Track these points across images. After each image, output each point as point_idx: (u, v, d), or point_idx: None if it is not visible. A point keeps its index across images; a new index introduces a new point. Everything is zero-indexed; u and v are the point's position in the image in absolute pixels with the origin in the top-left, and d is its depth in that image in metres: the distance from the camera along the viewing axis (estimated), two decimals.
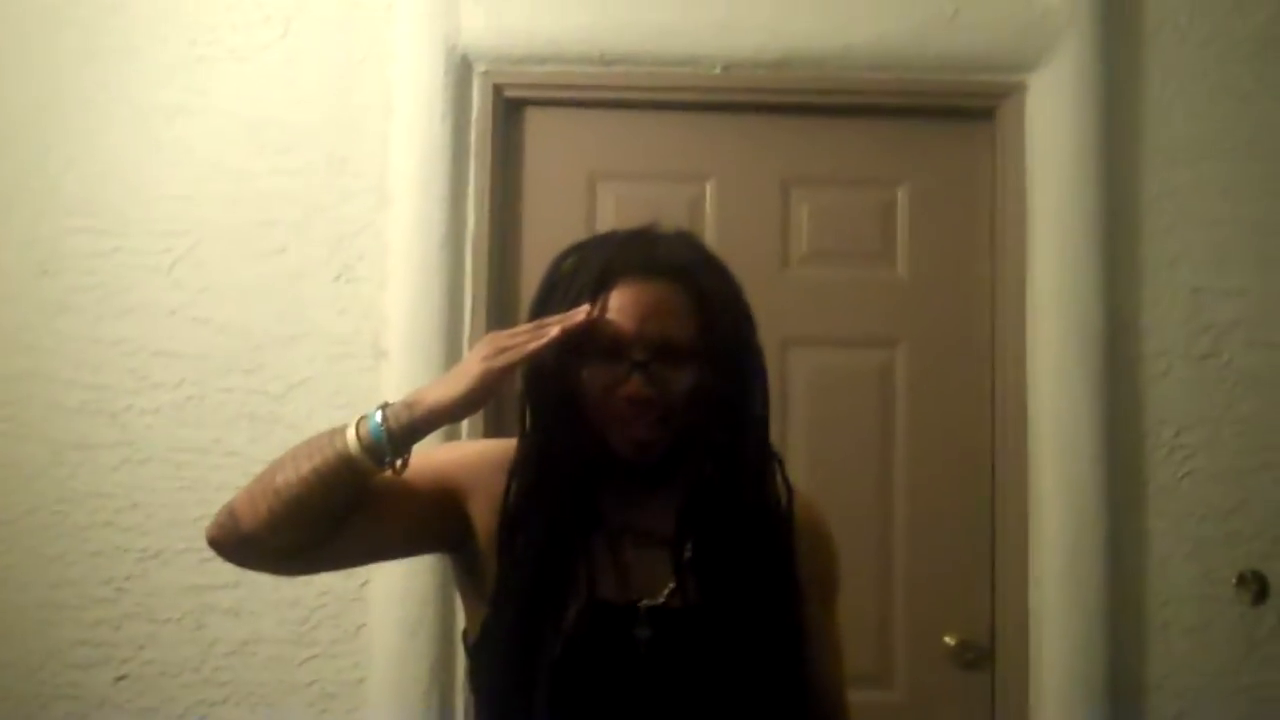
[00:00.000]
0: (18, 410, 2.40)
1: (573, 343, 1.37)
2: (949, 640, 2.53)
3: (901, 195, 2.62)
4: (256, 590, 2.38)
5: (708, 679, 1.41)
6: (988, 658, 2.53)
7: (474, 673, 1.51)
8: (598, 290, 1.39)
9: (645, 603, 1.42)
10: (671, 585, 1.42)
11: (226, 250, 2.44)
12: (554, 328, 1.36)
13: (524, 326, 1.39)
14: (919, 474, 2.56)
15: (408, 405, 1.36)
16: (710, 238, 2.52)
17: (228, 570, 2.18)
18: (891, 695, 2.52)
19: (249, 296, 2.43)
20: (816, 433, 2.54)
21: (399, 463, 1.37)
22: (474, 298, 2.46)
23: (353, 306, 2.44)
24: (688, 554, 1.43)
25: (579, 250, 1.47)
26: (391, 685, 2.35)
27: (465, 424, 2.31)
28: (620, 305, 1.39)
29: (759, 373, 1.48)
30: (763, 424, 1.48)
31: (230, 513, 1.38)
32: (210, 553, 2.06)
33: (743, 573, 1.43)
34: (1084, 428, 2.44)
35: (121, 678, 2.38)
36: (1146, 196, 2.52)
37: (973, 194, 2.62)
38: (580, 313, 1.37)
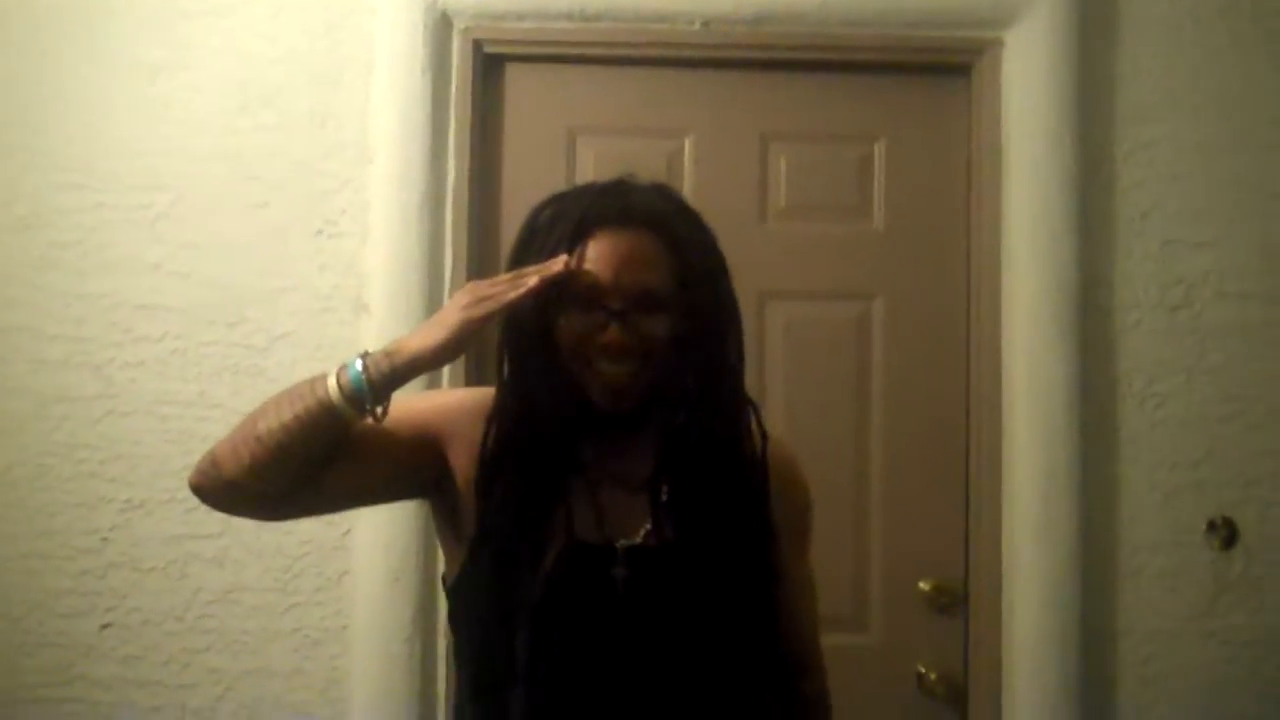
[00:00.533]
0: (1, 364, 2.42)
1: (550, 292, 1.40)
2: (923, 585, 2.57)
3: (879, 150, 2.65)
4: (240, 539, 2.41)
5: (683, 617, 1.45)
6: (961, 602, 2.57)
7: (454, 614, 1.56)
8: (575, 240, 1.43)
9: (622, 543, 1.46)
10: (648, 526, 1.47)
11: (209, 205, 2.46)
12: (532, 277, 1.39)
13: (503, 276, 1.42)
14: (894, 423, 2.60)
15: (387, 354, 1.39)
16: (689, 192, 2.54)
17: (211, 520, 2.26)
18: (867, 638, 2.57)
19: (231, 251, 2.45)
20: (794, 384, 2.58)
21: (379, 410, 1.40)
22: (454, 252, 2.49)
23: (334, 261, 2.46)
24: (664, 496, 1.47)
25: (556, 201, 1.51)
26: (374, 632, 2.38)
27: (446, 372, 2.35)
28: (597, 255, 1.42)
29: (734, 321, 1.51)
30: (737, 371, 1.52)
31: (212, 459, 1.42)
32: (194, 503, 2.10)
33: (717, 514, 1.48)
34: (1057, 377, 2.48)
35: (106, 626, 2.41)
36: (1119, 151, 2.55)
37: (949, 149, 2.65)
38: (558, 263, 1.40)
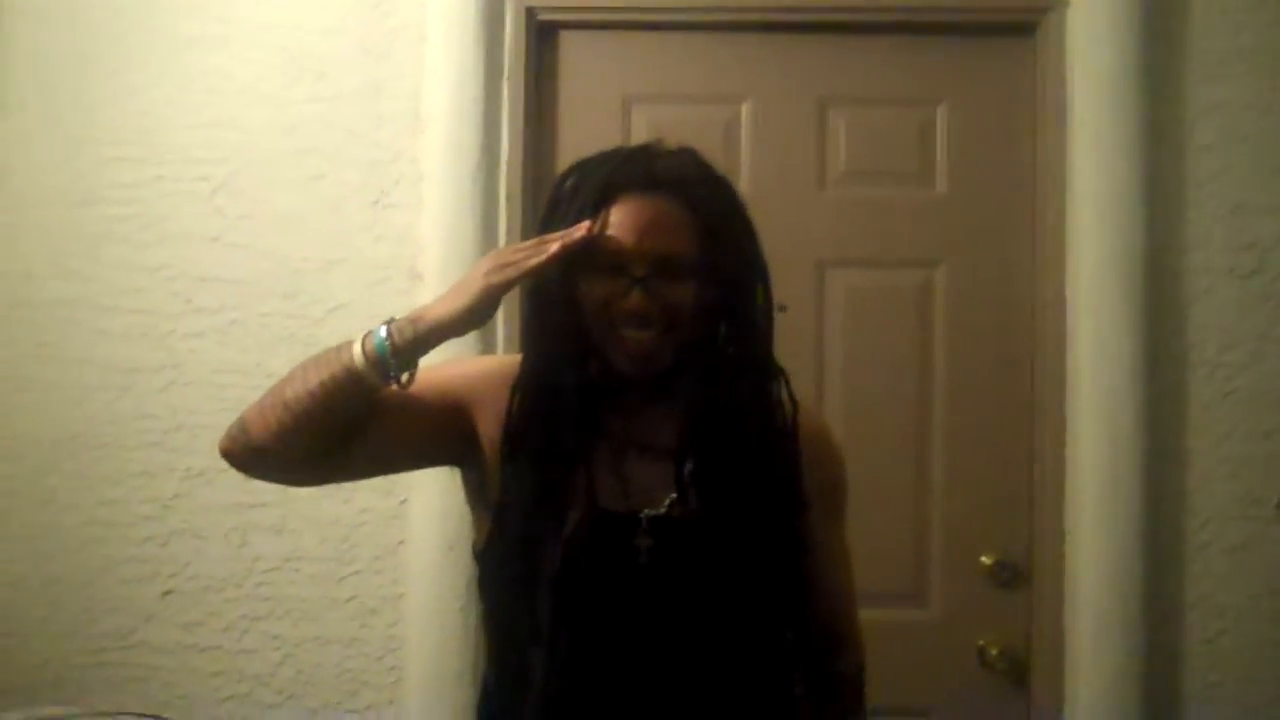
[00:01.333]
0: (65, 336, 2.48)
1: (574, 258, 1.41)
2: (985, 559, 2.55)
3: (940, 114, 2.62)
4: (298, 509, 2.46)
5: (707, 589, 1.45)
6: (1024, 577, 2.55)
7: (481, 580, 1.57)
8: (598, 206, 1.43)
9: (646, 512, 1.47)
10: (672, 496, 1.47)
11: (264, 177, 2.50)
12: (555, 244, 1.40)
13: (527, 243, 1.43)
14: (957, 394, 2.58)
15: (412, 320, 1.41)
16: (746, 159, 2.55)
17: (270, 489, 2.30)
18: (927, 613, 2.55)
19: (287, 223, 2.49)
20: (854, 354, 2.56)
21: (404, 377, 1.42)
22: (509, 222, 2.50)
23: (389, 232, 2.49)
24: (689, 466, 1.47)
25: (581, 168, 1.52)
26: (430, 600, 2.42)
27: (474, 339, 2.37)
28: (620, 221, 1.42)
29: (762, 286, 1.51)
30: (765, 337, 1.51)
31: (241, 425, 1.45)
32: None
33: (743, 484, 1.47)
34: (1124, 346, 2.44)
35: (168, 592, 2.47)
36: (1188, 113, 2.50)
37: (1013, 112, 2.61)
38: (581, 229, 1.41)
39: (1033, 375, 2.58)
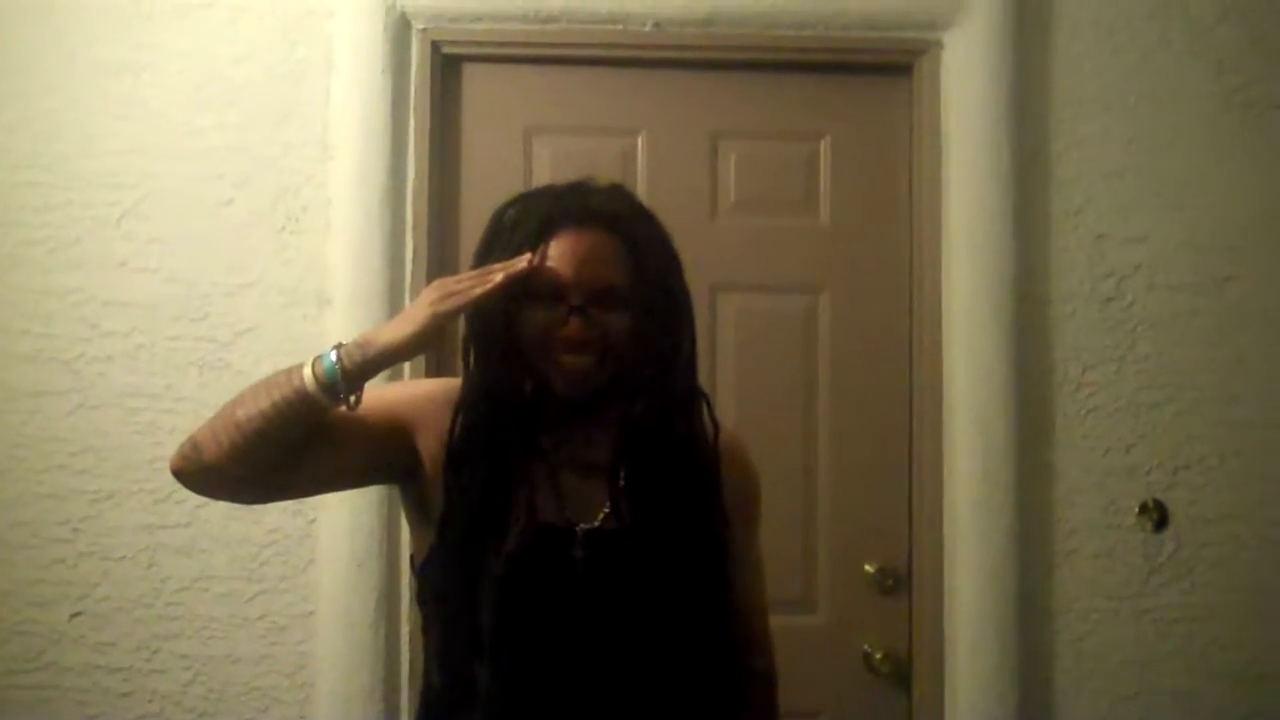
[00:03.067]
0: None
1: (515, 288, 1.53)
2: (869, 568, 2.75)
3: (824, 147, 2.82)
4: (207, 529, 2.54)
5: (639, 596, 1.58)
6: (905, 584, 2.75)
7: (422, 592, 1.68)
8: (538, 239, 1.55)
9: (582, 526, 1.59)
10: (606, 510, 1.60)
11: (173, 203, 2.58)
12: (498, 274, 1.51)
13: (469, 273, 1.55)
14: (840, 411, 2.77)
15: (360, 345, 1.52)
16: (642, 189, 2.71)
17: (179, 510, 2.40)
18: (815, 619, 2.74)
19: (196, 247, 2.58)
20: (744, 373, 2.75)
21: (352, 399, 1.53)
22: (415, 248, 2.62)
23: (297, 257, 2.59)
24: (621, 481, 1.60)
25: (520, 202, 1.64)
26: (340, 617, 2.52)
27: (406, 368, 2.49)
28: (559, 253, 1.55)
29: (687, 316, 1.65)
30: (690, 363, 1.66)
31: (193, 444, 1.53)
32: (163, 493, 2.28)
33: (672, 498, 1.61)
34: (994, 367, 2.65)
35: (77, 614, 2.53)
36: (1055, 148, 2.73)
37: (892, 146, 2.82)
38: (522, 260, 1.53)
39: (911, 394, 2.78)
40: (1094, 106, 2.75)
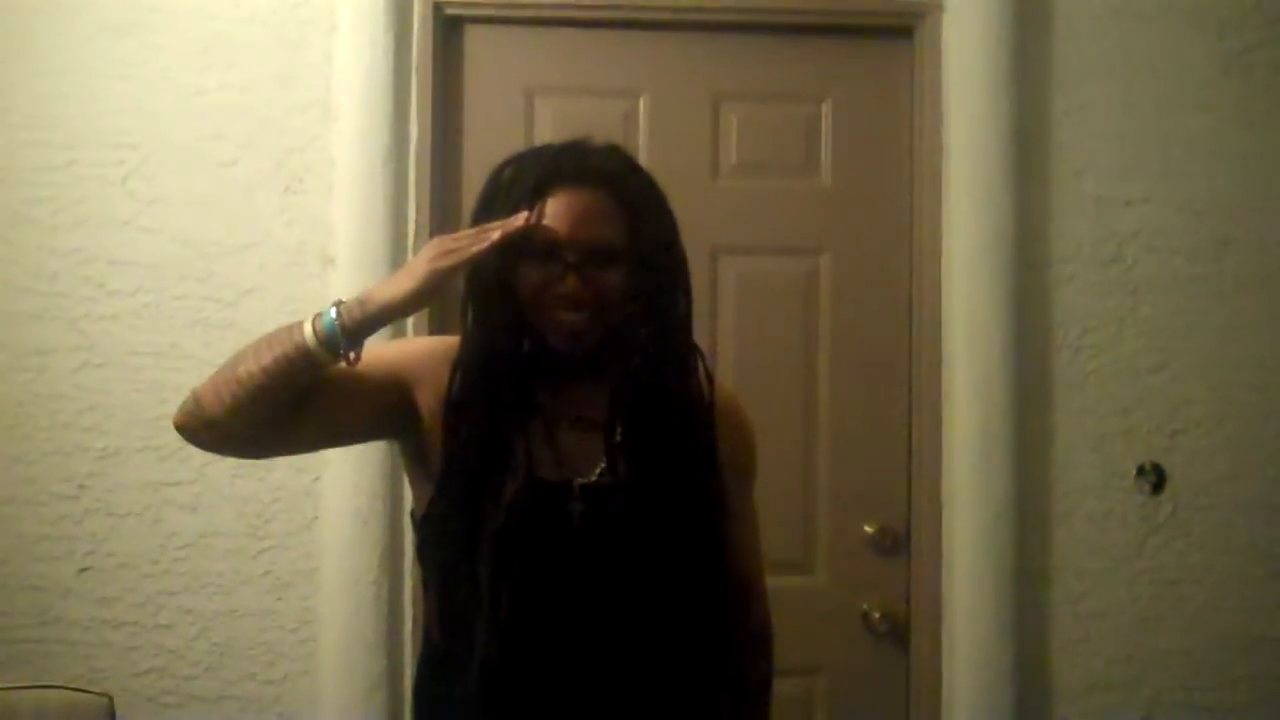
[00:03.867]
0: None
1: (512, 246, 1.60)
2: (868, 528, 2.86)
3: (825, 110, 2.91)
4: (212, 486, 2.64)
5: (636, 549, 1.67)
6: (904, 545, 2.87)
7: (422, 546, 1.78)
8: (534, 198, 1.62)
9: (579, 481, 1.67)
10: (602, 465, 1.68)
11: (178, 163, 2.67)
12: (495, 232, 1.58)
13: (467, 231, 1.62)
14: (840, 373, 2.88)
15: (360, 302, 1.59)
16: (643, 151, 2.80)
17: (185, 468, 2.51)
18: (814, 579, 2.86)
19: (201, 208, 2.67)
20: (745, 334, 2.85)
21: (352, 355, 1.60)
22: (417, 208, 2.71)
23: (301, 217, 2.68)
24: (618, 436, 1.68)
25: (517, 161, 1.71)
26: (343, 573, 2.63)
27: (410, 323, 2.60)
28: (555, 212, 1.61)
29: (682, 273, 1.73)
30: (685, 319, 1.74)
31: (196, 400, 1.61)
32: (168, 451, 2.40)
33: (667, 452, 1.69)
34: (994, 329, 2.75)
35: (84, 569, 2.64)
36: (1055, 111, 2.82)
37: (893, 109, 2.91)
38: (519, 218, 1.59)
39: (911, 356, 2.88)
40: (1095, 70, 2.83)
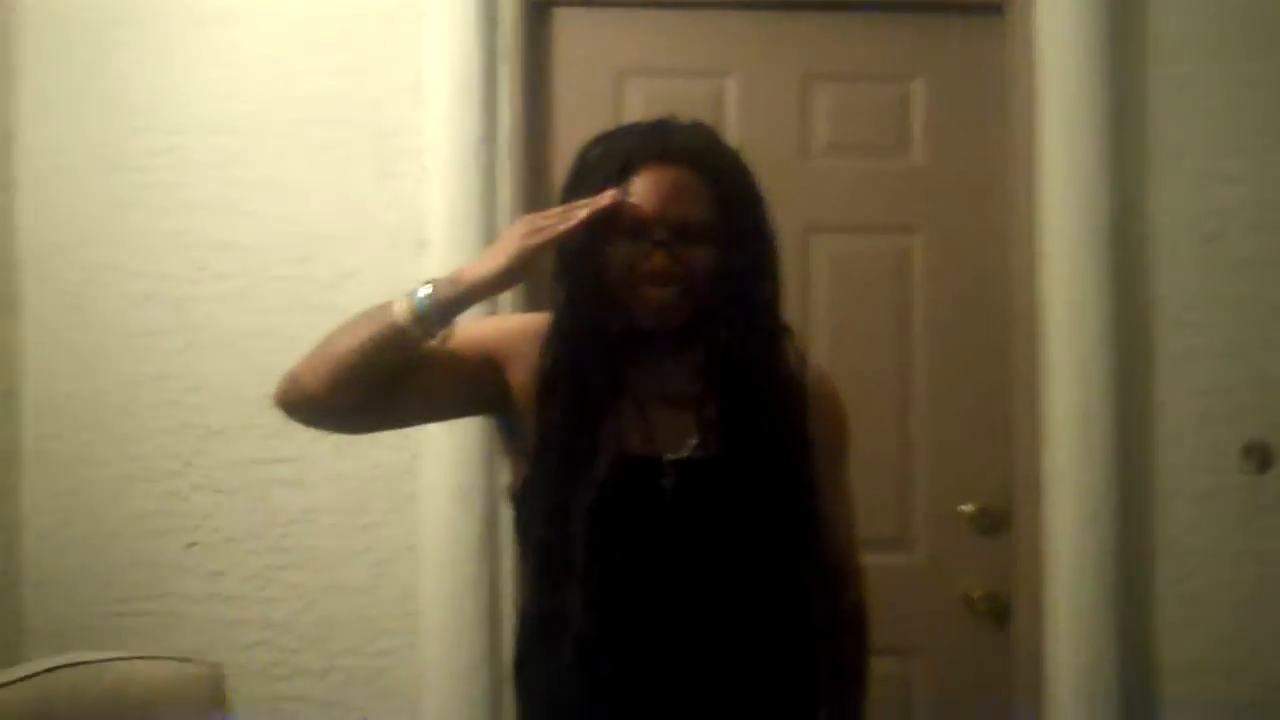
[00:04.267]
0: (90, 299, 2.75)
1: (599, 224, 1.64)
2: (967, 507, 2.89)
3: (917, 88, 2.95)
4: (315, 464, 2.73)
5: (727, 524, 1.71)
6: (1004, 524, 2.89)
7: (518, 522, 1.84)
8: (622, 176, 1.68)
9: (669, 456, 1.72)
10: (693, 440, 1.73)
11: (276, 148, 2.77)
12: (583, 210, 1.64)
13: (555, 210, 1.68)
14: (937, 352, 2.91)
15: (451, 281, 1.66)
16: (732, 131, 2.83)
17: (288, 446, 2.60)
18: (914, 558, 2.90)
19: (299, 191, 2.77)
20: (838, 313, 2.89)
21: (444, 332, 1.67)
22: (509, 191, 2.79)
23: (396, 201, 2.77)
24: (709, 410, 1.74)
25: (604, 140, 1.77)
26: (444, 550, 2.70)
27: (504, 299, 2.65)
28: (642, 189, 1.66)
29: (770, 249, 1.78)
30: (774, 296, 1.79)
31: (293, 377, 1.70)
32: (271, 429, 2.51)
33: (759, 428, 1.73)
34: (1093, 304, 2.76)
35: (192, 544, 2.74)
36: (1152, 87, 2.83)
37: (985, 86, 2.94)
38: (606, 196, 1.64)
39: (1009, 334, 2.90)
40: (1192, 45, 2.84)
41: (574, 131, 2.70)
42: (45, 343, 2.76)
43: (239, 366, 2.74)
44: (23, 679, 2.37)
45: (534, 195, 2.82)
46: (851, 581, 1.96)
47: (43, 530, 2.75)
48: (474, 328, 1.76)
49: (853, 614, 1.97)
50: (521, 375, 1.73)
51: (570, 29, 2.93)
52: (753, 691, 1.72)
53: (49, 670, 2.40)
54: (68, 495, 2.75)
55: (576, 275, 1.69)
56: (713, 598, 1.69)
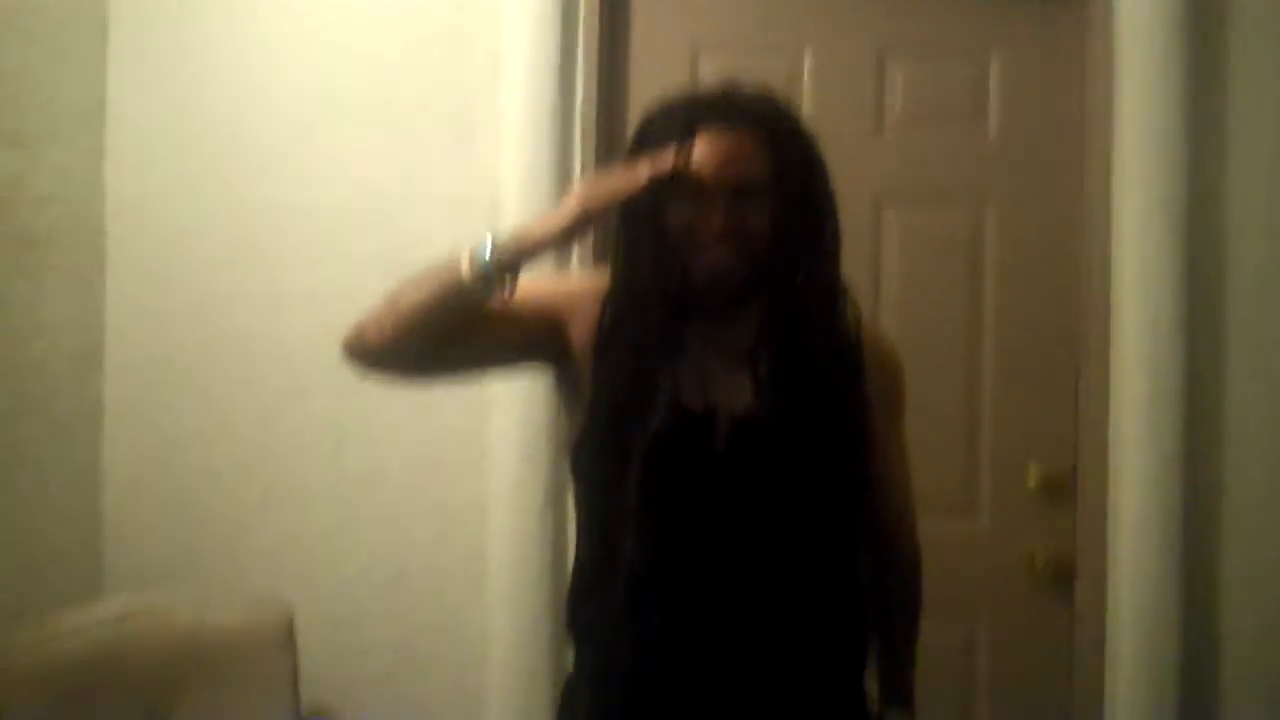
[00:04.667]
0: (172, 261, 2.90)
1: (661, 184, 1.68)
2: (1032, 473, 2.94)
3: (994, 64, 3.00)
4: (385, 422, 2.85)
5: (781, 479, 1.77)
6: (1069, 489, 2.93)
7: (574, 470, 1.91)
8: (684, 138, 1.71)
9: (724, 411, 1.78)
10: (749, 396, 1.79)
11: (355, 116, 2.89)
12: (645, 170, 1.71)
13: (619, 169, 1.76)
14: (1005, 322, 2.96)
15: (515, 238, 1.73)
16: (807, 104, 2.92)
17: (361, 406, 2.72)
18: (977, 524, 2.95)
19: (377, 159, 2.89)
20: (909, 284, 2.95)
21: (506, 288, 1.73)
22: (582, 161, 2.88)
23: (471, 169, 2.87)
24: (763, 367, 1.79)
25: (669, 102, 1.83)
26: (510, 508, 2.81)
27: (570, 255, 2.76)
28: (703, 151, 1.70)
29: (829, 212, 1.83)
30: (833, 258, 1.84)
31: (360, 328, 1.79)
32: (346, 390, 2.59)
33: (815, 385, 1.79)
34: (1164, 270, 2.80)
35: (267, 500, 2.88)
36: (1234, 63, 2.86)
37: (1062, 62, 2.98)
38: (668, 157, 1.68)
39: (1078, 299, 2.94)
40: (1273, 20, 2.87)
41: (648, 103, 2.82)
42: (128, 306, 2.91)
43: (315, 329, 2.79)
44: (100, 620, 2.51)
45: (607, 165, 2.89)
46: (905, 540, 2.02)
47: (122, 483, 2.90)
48: (537, 284, 1.80)
49: (905, 572, 2.03)
50: (581, 332, 1.80)
51: (647, 2, 3.01)
52: (800, 643, 1.78)
53: (124, 612, 2.54)
54: (147, 450, 2.89)
55: (637, 234, 1.75)
56: (762, 549, 1.75)
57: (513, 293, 1.71)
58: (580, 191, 1.72)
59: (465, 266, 1.68)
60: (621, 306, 1.77)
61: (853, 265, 1.85)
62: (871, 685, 1.95)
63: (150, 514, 2.88)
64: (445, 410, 2.83)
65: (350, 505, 2.87)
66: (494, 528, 2.84)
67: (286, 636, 2.63)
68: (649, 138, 1.76)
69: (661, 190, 1.69)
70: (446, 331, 1.72)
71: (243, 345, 2.89)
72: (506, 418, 2.83)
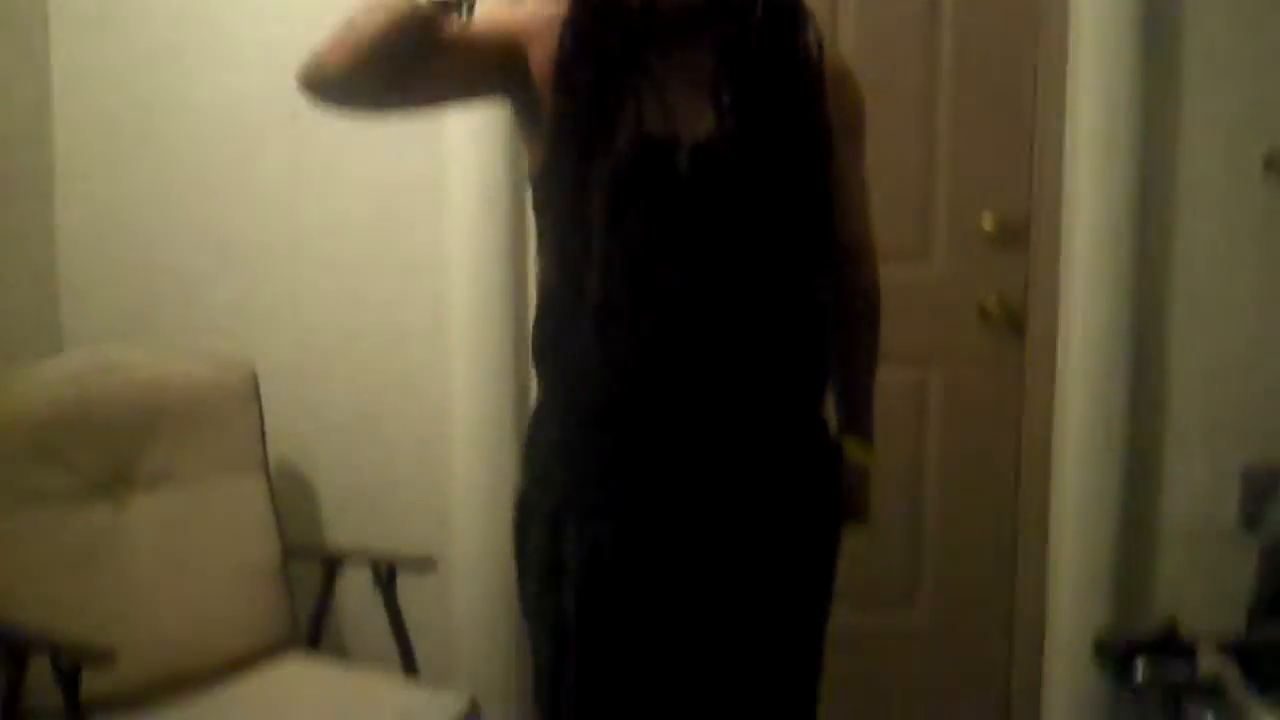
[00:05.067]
0: (117, 14, 2.88)
1: None
2: (986, 217, 3.00)
3: None
4: (344, 176, 2.87)
5: (742, 201, 1.78)
6: (1023, 234, 2.99)
7: (537, 202, 1.91)
8: None
9: (687, 136, 1.77)
10: (711, 123, 1.79)
11: None
12: None
13: None
14: (964, 59, 2.96)
15: None
16: None
17: (317, 159, 2.72)
18: (930, 269, 3.04)
19: None
20: (866, 13, 2.96)
21: (464, 13, 1.70)
22: None
23: None
24: (725, 91, 1.79)
25: None
26: (471, 254, 2.85)
27: None
28: None
29: None
30: None
31: (317, 57, 1.70)
32: (301, 140, 2.58)
33: (775, 109, 1.80)
34: (1121, 16, 2.80)
35: (223, 255, 2.93)
36: None
37: None
38: None
39: (1035, 47, 2.95)
40: None
41: None
42: (75, 61, 2.89)
43: (267, 78, 2.80)
44: (61, 376, 2.56)
45: None
46: (865, 266, 2.07)
47: (76, 241, 2.94)
48: (496, 8, 1.78)
49: (866, 297, 2.08)
50: (541, 57, 1.77)
51: None
52: (763, 365, 1.81)
53: (85, 367, 2.59)
54: (100, 207, 2.92)
55: None
56: (726, 273, 1.76)
57: (471, 12, 1.69)
58: None
59: None
60: (582, 29, 1.75)
61: None
62: (831, 417, 2.02)
63: (106, 272, 2.91)
64: (403, 162, 2.84)
65: (309, 258, 2.91)
66: (455, 278, 2.88)
67: (251, 389, 2.71)
68: None
69: None
70: (405, 59, 1.67)
71: (193, 98, 2.88)
72: (465, 165, 2.84)
